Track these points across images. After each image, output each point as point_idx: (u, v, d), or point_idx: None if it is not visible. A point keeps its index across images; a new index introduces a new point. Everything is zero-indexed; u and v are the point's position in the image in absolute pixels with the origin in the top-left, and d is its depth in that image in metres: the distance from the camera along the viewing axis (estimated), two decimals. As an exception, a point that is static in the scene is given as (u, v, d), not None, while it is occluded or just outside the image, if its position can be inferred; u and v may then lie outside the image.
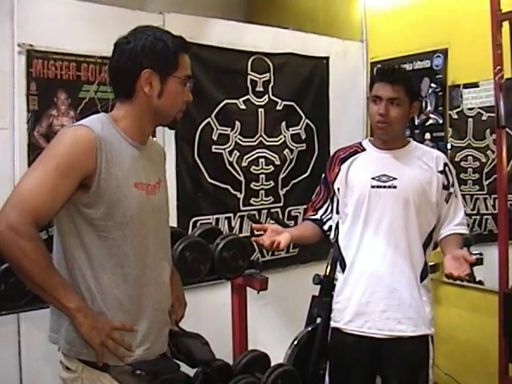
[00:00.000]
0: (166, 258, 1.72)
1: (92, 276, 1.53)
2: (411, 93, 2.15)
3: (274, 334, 3.42)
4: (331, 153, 2.44)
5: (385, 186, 2.14)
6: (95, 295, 1.53)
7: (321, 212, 2.33)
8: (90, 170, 1.49)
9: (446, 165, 2.20)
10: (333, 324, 2.27)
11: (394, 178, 2.14)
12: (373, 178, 2.16)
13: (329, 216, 2.32)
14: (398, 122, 2.14)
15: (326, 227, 2.32)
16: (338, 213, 2.29)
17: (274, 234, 2.12)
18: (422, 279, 2.15)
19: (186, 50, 1.64)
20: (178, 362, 1.77)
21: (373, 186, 2.15)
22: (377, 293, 2.14)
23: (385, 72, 2.22)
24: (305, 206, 2.57)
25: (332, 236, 2.33)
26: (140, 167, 1.61)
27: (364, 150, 2.26)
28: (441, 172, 2.17)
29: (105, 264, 1.53)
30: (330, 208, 2.32)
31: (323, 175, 2.36)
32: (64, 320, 1.53)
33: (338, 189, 2.25)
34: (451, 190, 2.19)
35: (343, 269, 2.23)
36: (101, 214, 1.51)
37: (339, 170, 2.26)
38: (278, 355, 2.71)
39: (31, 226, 1.43)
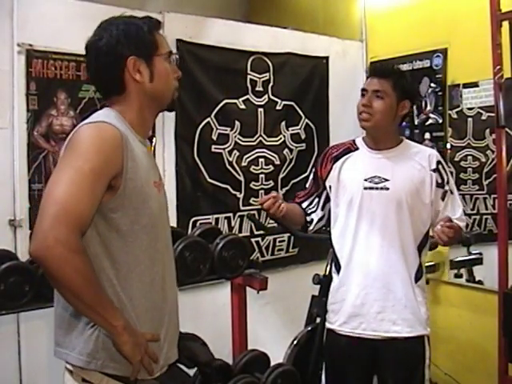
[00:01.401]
0: (173, 258, 1.67)
1: (119, 285, 1.43)
2: (400, 90, 2.12)
3: (274, 333, 3.42)
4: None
5: (377, 188, 2.13)
6: (125, 305, 1.43)
7: (304, 205, 2.32)
8: (118, 170, 1.39)
9: (439, 162, 2.17)
10: (328, 325, 2.26)
11: (387, 180, 2.12)
12: (365, 180, 2.15)
13: (313, 209, 2.31)
14: (380, 114, 2.11)
15: (308, 218, 2.31)
16: (322, 209, 2.29)
17: (275, 201, 2.10)
18: (416, 280, 2.14)
19: (158, 27, 1.59)
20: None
21: (365, 188, 2.14)
22: (371, 294, 2.12)
23: (374, 67, 2.23)
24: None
25: (311, 228, 2.32)
26: (151, 165, 1.55)
27: (357, 148, 2.24)
28: (434, 170, 2.15)
29: (132, 272, 1.45)
30: (314, 203, 2.30)
31: (313, 170, 2.35)
32: (78, 333, 1.43)
33: (330, 186, 2.24)
34: (446, 187, 2.16)
35: (338, 270, 2.21)
36: (128, 218, 1.42)
37: (331, 168, 2.24)
38: (277, 355, 2.72)
39: (79, 238, 1.31)
